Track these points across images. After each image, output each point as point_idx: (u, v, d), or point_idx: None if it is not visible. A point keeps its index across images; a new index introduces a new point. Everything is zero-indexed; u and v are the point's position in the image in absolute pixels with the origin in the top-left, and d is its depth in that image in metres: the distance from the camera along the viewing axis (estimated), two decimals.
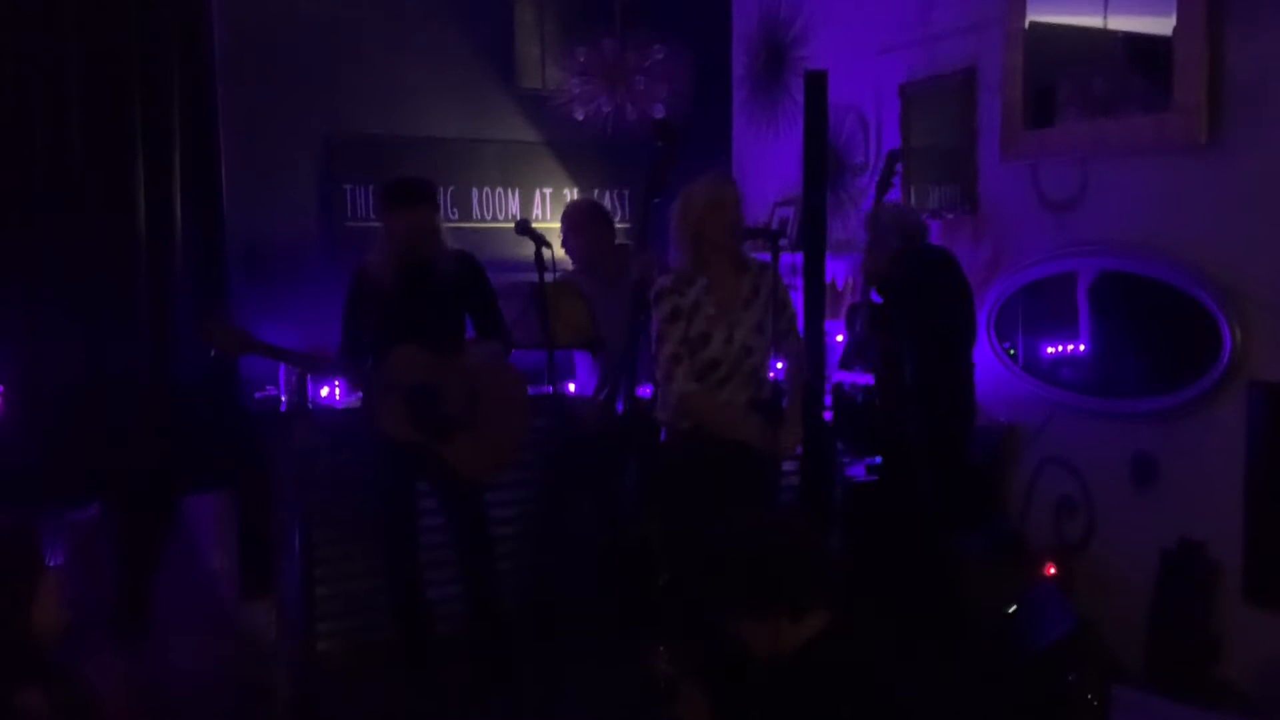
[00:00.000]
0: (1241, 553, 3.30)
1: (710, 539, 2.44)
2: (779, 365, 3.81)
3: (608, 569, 4.33)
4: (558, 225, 4.68)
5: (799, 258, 4.15)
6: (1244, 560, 3.30)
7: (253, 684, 3.91)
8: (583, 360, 4.49)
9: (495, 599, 3.94)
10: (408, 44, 5.18)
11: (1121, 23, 3.90)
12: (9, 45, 4.22)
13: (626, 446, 4.14)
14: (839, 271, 4.93)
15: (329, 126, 5.03)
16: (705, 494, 3.38)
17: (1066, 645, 3.66)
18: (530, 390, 4.03)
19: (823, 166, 4.22)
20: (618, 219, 5.62)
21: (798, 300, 3.97)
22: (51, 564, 3.28)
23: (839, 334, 4.66)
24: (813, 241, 4.16)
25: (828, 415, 4.43)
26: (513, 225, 3.93)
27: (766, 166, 5.62)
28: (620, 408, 3.98)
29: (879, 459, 4.33)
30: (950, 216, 4.53)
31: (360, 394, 3.97)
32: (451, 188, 5.26)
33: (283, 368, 4.18)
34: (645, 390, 3.95)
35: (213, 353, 3.60)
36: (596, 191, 5.59)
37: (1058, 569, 3.96)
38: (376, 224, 4.09)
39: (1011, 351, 4.29)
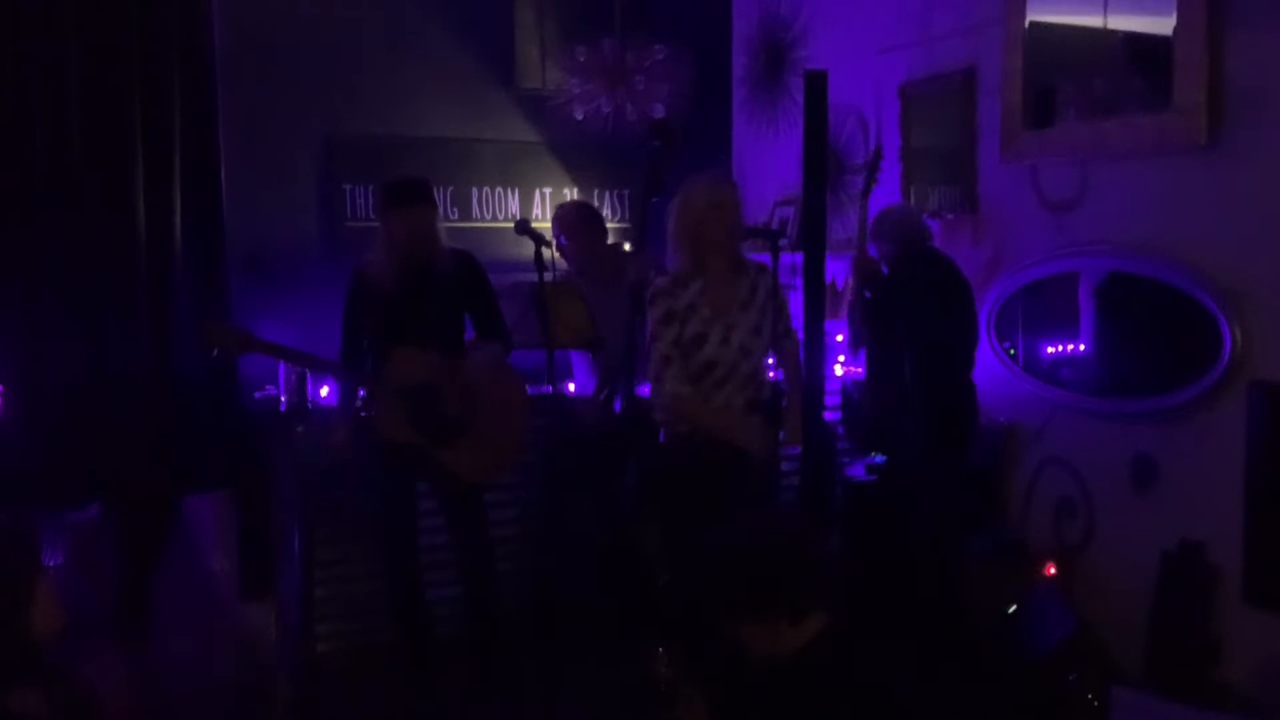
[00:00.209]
0: (1241, 554, 3.29)
1: (710, 540, 2.43)
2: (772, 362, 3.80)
3: (608, 569, 4.33)
4: None
5: (799, 258, 4.14)
6: (1244, 561, 3.29)
7: (252, 685, 3.91)
8: (582, 361, 4.49)
9: (495, 600, 3.94)
10: (408, 44, 5.18)
11: (1121, 23, 3.90)
12: (9, 45, 4.22)
13: (626, 447, 4.14)
14: (839, 271, 4.93)
15: (329, 126, 5.03)
16: (704, 495, 3.38)
17: (1066, 646, 3.66)
18: (530, 390, 4.03)
19: (823, 166, 4.19)
20: (617, 219, 5.63)
21: (798, 300, 3.97)
22: (51, 564, 3.29)
23: (839, 334, 4.66)
24: (813, 241, 4.15)
25: (829, 415, 4.44)
26: (512, 225, 3.93)
27: (766, 166, 5.62)
28: (619, 408, 3.98)
29: (879, 459, 4.33)
30: (950, 217, 4.53)
31: (362, 396, 3.96)
32: (451, 188, 5.26)
33: (282, 367, 4.18)
34: (645, 390, 3.94)
35: (215, 353, 3.60)
36: (596, 192, 5.59)
37: (1058, 570, 3.96)
38: (376, 224, 4.09)
39: (1011, 351, 4.29)
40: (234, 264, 4.70)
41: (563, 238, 4.53)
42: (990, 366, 4.27)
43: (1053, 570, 3.96)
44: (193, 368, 4.47)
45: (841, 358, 4.76)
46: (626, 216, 5.63)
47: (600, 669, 3.76)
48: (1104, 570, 3.90)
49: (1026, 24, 4.07)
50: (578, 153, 5.50)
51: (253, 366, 4.43)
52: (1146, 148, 3.69)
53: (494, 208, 5.40)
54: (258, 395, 4.51)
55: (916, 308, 4.01)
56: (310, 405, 4.26)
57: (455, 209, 5.28)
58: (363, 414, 3.90)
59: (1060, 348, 4.20)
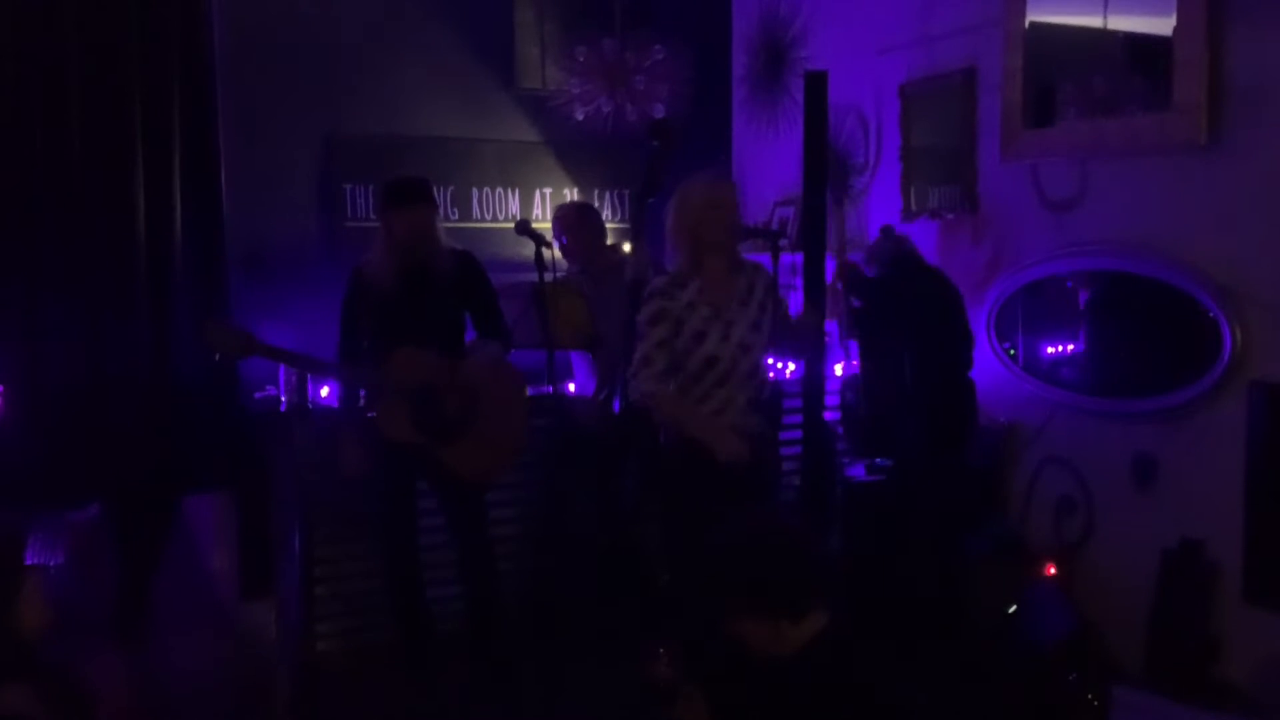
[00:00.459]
0: (1241, 553, 3.30)
1: (710, 540, 2.43)
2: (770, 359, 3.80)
3: (608, 569, 4.33)
4: None
5: (799, 258, 4.15)
6: (1244, 560, 3.30)
7: (252, 684, 3.91)
8: (582, 361, 4.49)
9: (495, 599, 3.94)
10: (408, 44, 5.18)
11: (1121, 23, 3.90)
12: (9, 45, 4.21)
13: (626, 447, 4.15)
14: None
15: (329, 126, 5.03)
16: (705, 495, 3.37)
17: (1066, 645, 3.67)
18: (530, 390, 4.02)
19: (823, 166, 4.22)
20: (617, 219, 5.63)
21: (797, 300, 3.98)
22: (51, 564, 3.29)
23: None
24: (813, 241, 4.17)
25: (829, 415, 4.44)
26: (513, 225, 3.93)
27: (766, 166, 5.62)
28: (619, 408, 3.98)
29: (879, 459, 4.34)
30: (950, 216, 4.53)
31: (363, 397, 3.96)
32: (451, 188, 5.26)
33: (282, 368, 4.18)
34: None
35: (216, 356, 3.60)
36: (596, 192, 5.59)
37: (1058, 569, 3.96)
38: (376, 224, 4.10)
39: (1011, 351, 4.29)
40: (234, 264, 4.69)
41: (563, 238, 4.53)
42: (990, 366, 4.28)
43: (1053, 569, 3.96)
44: (193, 368, 4.46)
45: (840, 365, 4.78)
46: (626, 216, 5.63)
47: (600, 669, 3.75)
48: (1104, 569, 3.90)
49: (1026, 24, 4.07)
50: (578, 153, 5.50)
51: (253, 367, 4.41)
52: (1146, 147, 3.69)
53: (494, 208, 5.40)
54: (258, 395, 4.51)
55: (913, 309, 4.02)
56: (310, 405, 4.26)
57: (455, 209, 5.28)
58: (369, 415, 3.89)
59: (1060, 347, 4.20)
